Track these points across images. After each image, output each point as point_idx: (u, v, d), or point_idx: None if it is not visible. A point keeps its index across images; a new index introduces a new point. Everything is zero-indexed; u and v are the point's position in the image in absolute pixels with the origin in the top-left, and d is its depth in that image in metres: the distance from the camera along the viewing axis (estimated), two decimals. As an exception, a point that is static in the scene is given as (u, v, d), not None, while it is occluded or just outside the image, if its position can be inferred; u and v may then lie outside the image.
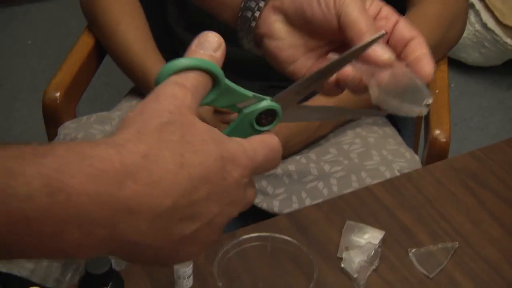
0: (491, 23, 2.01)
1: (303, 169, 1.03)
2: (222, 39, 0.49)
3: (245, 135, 0.49)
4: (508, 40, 2.02)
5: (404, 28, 0.57)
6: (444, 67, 1.14)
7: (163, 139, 0.42)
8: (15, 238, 0.38)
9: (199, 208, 0.43)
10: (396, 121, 1.22)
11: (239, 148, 0.45)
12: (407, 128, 1.25)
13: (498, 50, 2.06)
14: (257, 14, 0.57)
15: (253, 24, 0.58)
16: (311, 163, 1.03)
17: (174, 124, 0.43)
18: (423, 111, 0.54)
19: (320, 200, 0.98)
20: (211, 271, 0.62)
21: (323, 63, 0.57)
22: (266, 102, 0.51)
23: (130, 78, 1.11)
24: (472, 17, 2.02)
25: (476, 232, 0.75)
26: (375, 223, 0.76)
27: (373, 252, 0.72)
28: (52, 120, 1.09)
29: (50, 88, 1.09)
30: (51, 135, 1.10)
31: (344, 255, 0.72)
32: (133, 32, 1.09)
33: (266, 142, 0.48)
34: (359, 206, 0.78)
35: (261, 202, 1.02)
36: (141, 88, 1.11)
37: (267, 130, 0.52)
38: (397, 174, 1.00)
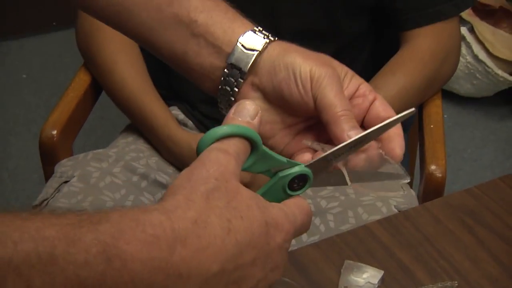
0: (482, 55, 2.03)
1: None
2: (258, 107, 0.51)
3: (275, 198, 0.51)
4: (499, 72, 2.04)
5: (380, 107, 0.58)
6: (438, 102, 1.15)
7: (210, 205, 0.44)
8: None
9: (245, 273, 0.44)
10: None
11: (281, 213, 0.47)
12: (402, 163, 1.26)
13: (489, 82, 2.08)
14: (236, 89, 0.58)
15: (232, 98, 0.59)
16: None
17: (220, 191, 0.45)
18: (400, 191, 0.56)
19: (317, 236, 0.98)
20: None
21: (302, 140, 0.59)
22: (300, 168, 0.53)
23: (126, 115, 1.12)
24: (463, 49, 2.04)
25: (475, 271, 0.75)
26: (374, 262, 0.76)
27: (372, 291, 0.72)
28: (49, 158, 1.09)
29: (46, 126, 1.09)
30: (48, 172, 1.10)
31: (343, 295, 0.72)
32: (129, 70, 1.09)
33: (302, 207, 0.50)
34: (358, 244, 0.78)
35: (258, 238, 1.02)
36: (137, 125, 1.12)
37: (297, 195, 0.53)
38: (394, 209, 1.00)
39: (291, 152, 0.59)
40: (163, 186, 1.05)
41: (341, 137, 0.55)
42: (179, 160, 1.08)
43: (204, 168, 0.46)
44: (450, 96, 2.16)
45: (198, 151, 0.48)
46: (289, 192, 0.53)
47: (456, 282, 0.74)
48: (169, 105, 1.13)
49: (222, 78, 0.58)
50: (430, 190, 1.04)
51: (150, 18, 0.60)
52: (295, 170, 0.52)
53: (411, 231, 0.80)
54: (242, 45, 0.57)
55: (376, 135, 0.55)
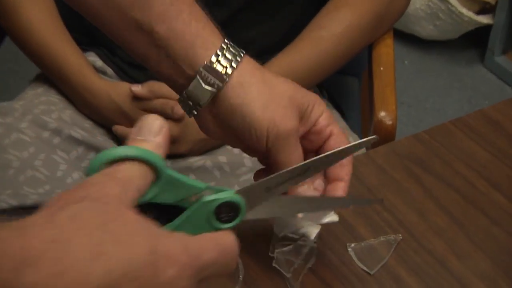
0: (445, -8, 2.05)
1: (236, 160, 1.04)
2: (164, 121, 0.49)
3: (197, 230, 0.48)
4: (463, 10, 2.06)
5: (335, 145, 0.65)
6: (389, 41, 1.16)
7: (78, 225, 0.41)
8: None
9: None
10: (339, 103, 1.24)
11: (178, 243, 0.44)
12: (352, 110, 1.28)
13: (453, 22, 2.10)
14: (194, 112, 0.64)
15: (191, 114, 0.65)
16: (245, 154, 1.04)
17: (94, 211, 0.42)
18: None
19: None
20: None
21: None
22: (228, 193, 0.51)
23: (35, 63, 1.10)
24: (425, -15, 2.06)
25: (421, 223, 0.77)
26: (311, 217, 0.77)
27: (308, 248, 0.73)
28: None
29: None
30: None
31: (276, 253, 0.73)
32: (37, 10, 1.07)
33: (218, 241, 0.46)
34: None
35: (189, 199, 1.03)
36: (48, 73, 1.10)
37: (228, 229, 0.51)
38: (339, 162, 1.01)
39: None
40: (79, 142, 1.05)
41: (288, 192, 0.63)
42: (97, 113, 1.07)
43: (81, 188, 0.44)
44: (411, 40, 2.18)
45: (86, 176, 0.46)
46: (216, 224, 0.50)
47: (400, 235, 0.76)
48: (85, 50, 1.12)
49: (180, 97, 0.64)
50: (380, 139, 1.05)
51: (110, 16, 0.63)
52: (223, 195, 0.50)
53: (351, 182, 0.80)
54: (201, 79, 0.62)
55: (325, 164, 0.61)
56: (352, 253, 0.74)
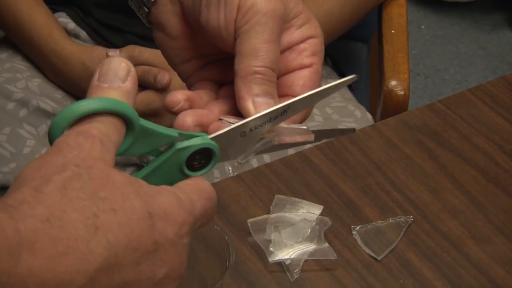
0: None
1: (227, 135, 1.05)
2: (129, 64, 0.49)
3: (167, 180, 0.50)
4: (488, -32, 2.07)
5: (302, 79, 0.58)
6: (402, 0, 1.18)
7: (69, 197, 0.42)
8: None
9: (126, 284, 0.43)
10: (344, 72, 1.25)
11: (173, 200, 0.47)
12: (360, 80, 1.29)
13: (477, -19, 2.11)
14: None
15: (145, 9, 0.60)
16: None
17: (81, 179, 0.43)
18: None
19: (247, 173, 1.01)
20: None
21: (209, 74, 0.61)
22: (203, 139, 0.52)
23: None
24: None
25: (435, 203, 0.79)
26: (311, 196, 0.79)
27: (309, 231, 0.75)
28: None
29: None
30: None
31: (273, 236, 0.74)
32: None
33: (202, 189, 0.49)
34: (291, 175, 0.81)
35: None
36: (12, 37, 1.12)
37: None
38: (345, 137, 1.03)
39: (190, 84, 0.61)
40: (49, 115, 1.06)
41: (242, 99, 0.55)
42: (68, 82, 1.08)
43: (60, 154, 0.45)
44: (428, 2, 2.19)
45: (51, 138, 0.47)
46: (187, 172, 0.53)
47: (411, 217, 0.78)
48: (54, 11, 1.13)
49: None
50: (390, 112, 1.07)
51: None
52: (197, 142, 0.52)
53: (357, 158, 0.83)
54: None
55: (304, 105, 0.56)
56: (357, 237, 0.76)
